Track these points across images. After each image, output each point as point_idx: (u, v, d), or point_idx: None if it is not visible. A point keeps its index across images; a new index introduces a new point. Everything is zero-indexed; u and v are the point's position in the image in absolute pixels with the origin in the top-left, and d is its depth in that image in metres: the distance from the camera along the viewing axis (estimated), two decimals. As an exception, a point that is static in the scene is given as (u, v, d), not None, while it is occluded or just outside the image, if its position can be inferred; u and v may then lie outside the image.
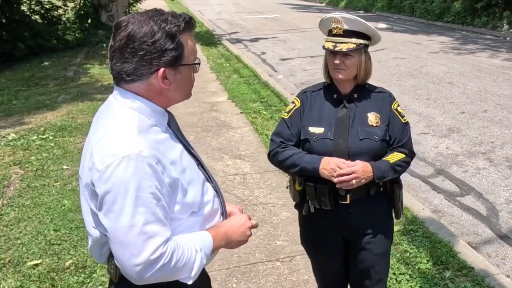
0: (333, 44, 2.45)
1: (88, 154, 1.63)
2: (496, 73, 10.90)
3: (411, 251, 4.06)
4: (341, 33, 2.44)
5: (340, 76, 2.48)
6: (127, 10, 16.99)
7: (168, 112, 1.77)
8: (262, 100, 8.82)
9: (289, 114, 2.61)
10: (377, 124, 2.48)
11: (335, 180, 2.37)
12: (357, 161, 2.39)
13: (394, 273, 3.76)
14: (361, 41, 2.46)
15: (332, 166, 2.37)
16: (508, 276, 3.93)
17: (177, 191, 1.66)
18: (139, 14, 1.67)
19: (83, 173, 1.66)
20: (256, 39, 17.21)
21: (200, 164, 1.85)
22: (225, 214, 1.92)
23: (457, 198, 5.31)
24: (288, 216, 4.67)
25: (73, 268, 3.90)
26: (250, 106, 8.45)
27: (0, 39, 13.44)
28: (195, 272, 1.66)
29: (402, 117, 2.56)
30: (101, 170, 1.54)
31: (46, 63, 12.68)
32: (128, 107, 1.65)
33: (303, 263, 3.91)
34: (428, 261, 3.93)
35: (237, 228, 1.87)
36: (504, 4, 17.60)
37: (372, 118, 2.49)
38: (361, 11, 26.09)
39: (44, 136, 6.93)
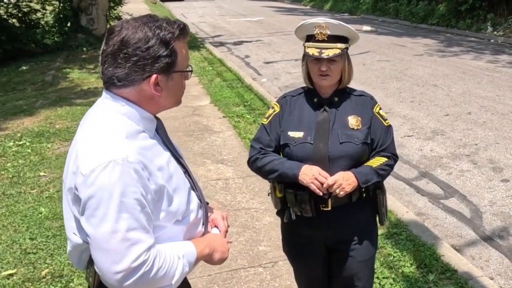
0: (318, 50, 2.38)
1: (73, 158, 1.61)
2: (480, 75, 10.95)
3: (394, 255, 4.02)
4: (326, 38, 2.38)
5: (326, 83, 2.43)
6: (108, 13, 16.78)
7: (157, 118, 1.76)
8: (246, 103, 8.75)
9: (268, 120, 2.57)
10: (358, 127, 2.44)
11: (317, 191, 2.32)
12: (337, 173, 2.35)
13: (377, 277, 3.71)
14: (344, 45, 2.41)
15: (313, 173, 2.32)
16: (491, 278, 3.90)
17: (162, 198, 1.64)
18: (133, 19, 1.68)
19: (66, 177, 1.64)
20: (240, 42, 17.15)
21: (187, 172, 1.84)
22: (206, 225, 1.90)
23: (441, 201, 5.28)
24: (271, 221, 4.60)
25: (50, 277, 3.80)
26: (233, 110, 8.37)
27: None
28: (176, 279, 1.64)
29: (385, 120, 2.53)
30: (86, 174, 1.52)
31: (24, 68, 12.45)
32: (117, 111, 1.64)
33: (286, 269, 3.84)
34: (411, 264, 3.89)
35: (219, 239, 1.89)
36: (488, 6, 17.76)
37: (353, 121, 2.45)
38: (346, 14, 26.23)
39: (20, 142, 6.78)
